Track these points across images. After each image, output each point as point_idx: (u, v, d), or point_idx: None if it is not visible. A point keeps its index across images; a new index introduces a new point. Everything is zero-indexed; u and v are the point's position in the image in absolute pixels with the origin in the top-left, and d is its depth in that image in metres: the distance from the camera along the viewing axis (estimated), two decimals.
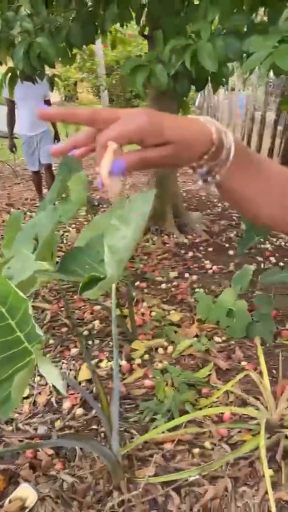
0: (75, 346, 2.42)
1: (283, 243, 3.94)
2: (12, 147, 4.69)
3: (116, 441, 1.46)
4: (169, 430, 1.77)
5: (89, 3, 3.14)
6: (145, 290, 3.03)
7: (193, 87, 3.12)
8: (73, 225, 4.42)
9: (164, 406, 1.86)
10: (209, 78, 2.87)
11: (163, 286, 3.09)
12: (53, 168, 4.75)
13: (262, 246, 3.84)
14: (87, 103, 9.10)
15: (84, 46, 3.26)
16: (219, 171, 0.52)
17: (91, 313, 2.76)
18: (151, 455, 1.70)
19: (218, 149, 0.51)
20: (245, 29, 2.67)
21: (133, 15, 3.08)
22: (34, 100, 4.27)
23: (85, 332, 2.55)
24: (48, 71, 3.96)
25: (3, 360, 1.21)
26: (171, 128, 0.47)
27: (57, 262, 1.64)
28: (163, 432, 1.76)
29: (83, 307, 2.84)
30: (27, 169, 7.32)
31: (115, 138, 0.44)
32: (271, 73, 2.59)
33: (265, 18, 3.15)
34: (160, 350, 2.37)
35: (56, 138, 4.79)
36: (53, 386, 1.06)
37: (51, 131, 4.72)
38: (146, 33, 3.59)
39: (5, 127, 4.65)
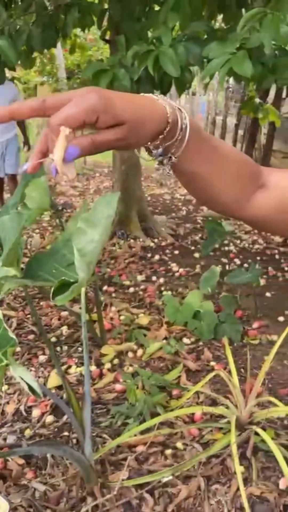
0: (43, 353, 2.39)
1: (246, 245, 4.03)
2: None
3: (89, 445, 1.45)
4: (141, 432, 1.77)
5: (50, 7, 3.12)
6: (113, 295, 3.02)
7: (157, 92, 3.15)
8: (37, 230, 4.36)
9: (136, 410, 1.86)
10: (173, 82, 2.91)
11: (131, 290, 3.09)
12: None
13: (227, 248, 3.91)
14: None
15: (45, 50, 3.24)
16: (175, 152, 0.51)
17: (59, 319, 2.73)
18: (124, 459, 1.70)
19: (173, 129, 0.49)
20: (205, 36, 2.74)
21: (95, 19, 3.09)
22: (2, 104, 4.17)
23: (53, 339, 2.52)
24: (7, 73, 3.90)
25: None
26: (123, 106, 0.45)
27: (22, 269, 1.62)
28: (135, 435, 1.76)
29: (50, 313, 2.81)
30: None
31: (66, 120, 0.41)
32: (231, 79, 2.66)
33: (223, 25, 3.24)
34: (130, 354, 2.37)
35: (26, 143, 4.69)
36: (29, 387, 1.04)
37: (20, 137, 4.63)
38: (107, 37, 3.61)
39: None
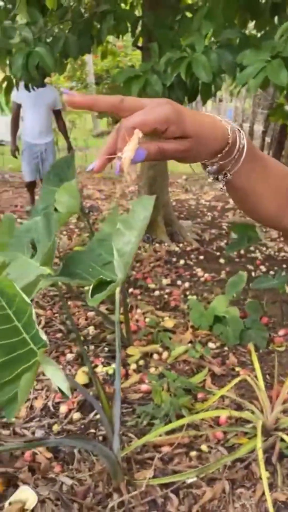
0: (70, 352, 2.44)
1: (272, 252, 4.01)
2: (15, 152, 4.54)
3: (117, 442, 1.48)
4: (167, 433, 1.79)
5: (85, 15, 3.20)
6: (139, 297, 3.06)
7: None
8: (64, 232, 4.44)
9: (161, 411, 1.88)
10: (200, 89, 2.93)
11: (156, 293, 3.12)
12: None
13: (253, 255, 3.90)
14: (77, 112, 9.21)
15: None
16: (230, 170, 0.54)
17: (86, 319, 2.78)
18: (150, 458, 1.72)
19: (232, 148, 0.52)
20: (237, 42, 2.76)
21: (129, 26, 3.15)
22: (43, 108, 4.24)
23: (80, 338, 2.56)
24: None
25: (8, 362, 1.22)
26: (191, 122, 0.47)
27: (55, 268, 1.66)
28: (160, 436, 1.78)
29: (77, 313, 2.86)
30: (15, 176, 7.32)
31: (141, 125, 0.44)
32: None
33: (254, 32, 3.26)
34: (155, 356, 2.40)
35: (70, 148, 4.71)
36: (59, 388, 1.08)
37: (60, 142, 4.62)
38: (140, 44, 3.67)
39: None
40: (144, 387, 2.12)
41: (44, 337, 1.12)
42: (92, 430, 1.89)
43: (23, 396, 1.11)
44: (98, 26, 3.11)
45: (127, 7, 3.70)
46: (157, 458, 1.71)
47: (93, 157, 8.61)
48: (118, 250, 1.18)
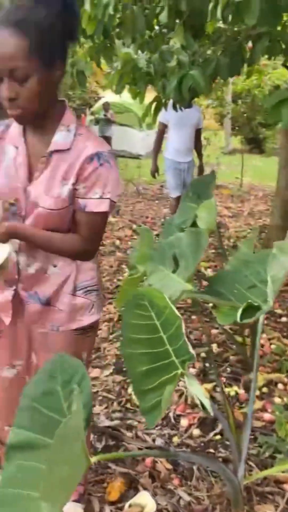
0: (193, 366, 2.46)
1: None
2: (155, 173, 4.59)
3: (243, 469, 1.45)
4: None
5: (239, 37, 3.24)
6: (265, 322, 2.97)
7: None
8: None
9: (286, 445, 1.81)
10: None
11: (283, 319, 3.00)
12: None
13: None
14: (211, 129, 9.33)
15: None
16: None
17: (209, 336, 2.78)
18: (270, 493, 1.66)
19: None
20: None
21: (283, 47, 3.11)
22: (187, 128, 4.32)
23: (203, 354, 2.58)
24: None
25: (152, 370, 1.28)
26: None
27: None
28: (283, 472, 1.71)
29: (200, 329, 2.88)
30: (148, 189, 7.66)
31: None
32: None
33: None
34: (280, 385, 2.30)
35: (201, 170, 4.73)
36: (201, 404, 1.11)
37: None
38: None
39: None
40: (267, 416, 2.05)
41: (191, 350, 1.16)
42: (211, 450, 1.88)
43: (166, 406, 1.15)
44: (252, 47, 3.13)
45: (280, 28, 3.66)
46: (280, 496, 1.64)
47: (223, 175, 8.62)
48: (271, 277, 1.17)
